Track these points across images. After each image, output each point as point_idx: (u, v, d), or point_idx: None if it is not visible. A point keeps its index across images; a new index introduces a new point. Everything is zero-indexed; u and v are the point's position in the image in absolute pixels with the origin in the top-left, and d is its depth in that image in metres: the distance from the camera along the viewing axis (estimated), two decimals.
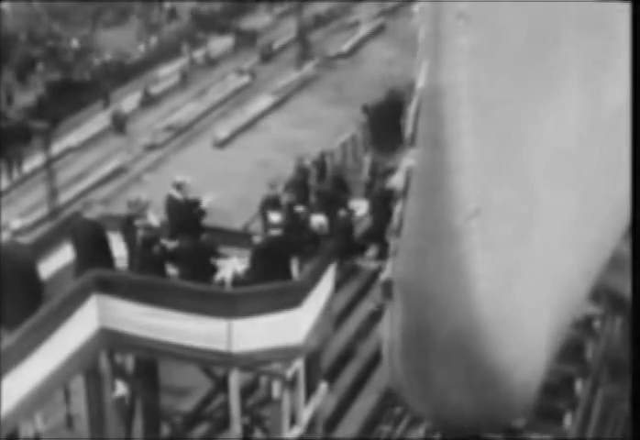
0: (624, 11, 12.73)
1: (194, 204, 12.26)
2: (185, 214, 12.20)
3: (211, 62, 33.07)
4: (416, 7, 12.08)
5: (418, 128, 10.72)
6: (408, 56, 30.56)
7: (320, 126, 27.74)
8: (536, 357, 12.72)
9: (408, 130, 12.06)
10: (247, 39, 34.83)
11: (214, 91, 30.95)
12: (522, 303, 11.84)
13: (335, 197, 19.27)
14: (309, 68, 32.37)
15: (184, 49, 33.60)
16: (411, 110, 11.57)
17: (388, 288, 12.03)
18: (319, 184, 20.29)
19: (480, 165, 10.66)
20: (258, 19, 37.05)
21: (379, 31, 35.35)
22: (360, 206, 19.65)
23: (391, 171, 20.89)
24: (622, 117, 12.76)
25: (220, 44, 34.45)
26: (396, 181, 20.07)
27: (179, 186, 12.54)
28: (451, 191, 10.62)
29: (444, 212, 10.73)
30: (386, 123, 25.21)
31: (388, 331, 12.45)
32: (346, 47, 33.83)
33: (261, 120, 29.20)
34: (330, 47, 33.96)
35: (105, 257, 11.42)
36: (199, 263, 11.43)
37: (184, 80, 31.45)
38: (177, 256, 11.57)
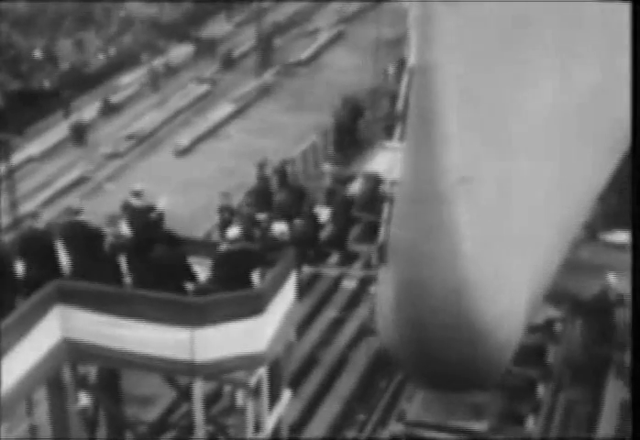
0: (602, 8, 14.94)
1: (150, 210, 12.29)
2: (144, 221, 12.21)
3: (171, 71, 33.02)
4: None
5: (409, 103, 11.80)
6: (367, 63, 30.55)
7: (281, 134, 27.85)
8: (517, 317, 13.47)
9: (399, 106, 14.79)
10: (207, 47, 34.83)
11: (174, 99, 30.94)
12: (503, 266, 12.69)
13: (295, 205, 19.41)
14: (269, 75, 32.47)
15: (144, 57, 33.53)
16: (402, 87, 13.85)
17: (382, 251, 13.17)
18: (279, 193, 20.39)
19: (466, 136, 11.67)
20: (218, 27, 37.04)
21: (338, 38, 35.48)
22: (322, 213, 19.77)
23: (351, 179, 21.09)
24: (594, 98, 14.67)
25: (180, 52, 34.42)
26: (356, 188, 20.41)
27: (137, 194, 12.59)
28: (439, 158, 11.62)
29: (432, 178, 11.71)
30: (345, 130, 25.36)
31: (382, 291, 13.38)
32: (305, 54, 33.95)
33: (222, 128, 29.26)
34: (290, 54, 34.08)
35: (55, 266, 11.38)
36: (170, 271, 11.43)
37: (155, 83, 31.45)
38: (150, 264, 11.56)
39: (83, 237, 11.58)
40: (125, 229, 11.81)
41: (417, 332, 12.83)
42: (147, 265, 11.50)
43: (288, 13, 38.29)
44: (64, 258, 11.51)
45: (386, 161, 20.70)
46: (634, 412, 10.38)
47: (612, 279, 16.21)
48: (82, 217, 11.67)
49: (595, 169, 16.21)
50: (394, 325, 13.13)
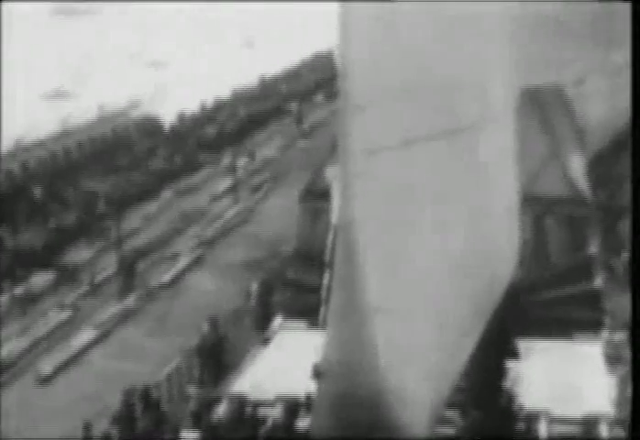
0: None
1: None
2: None
3: (32, 298, 33.13)
4: (328, 171, 21.37)
5: (334, 253, 16.52)
6: (227, 285, 31.78)
7: (144, 358, 28.03)
8: (423, 418, 17.50)
9: (326, 259, 20.88)
10: (68, 274, 35.20)
11: (36, 326, 30.91)
12: (409, 378, 16.73)
13: (159, 430, 19.62)
14: (131, 300, 32.89)
15: (5, 285, 33.60)
16: (328, 243, 20.01)
17: (317, 369, 17.10)
18: (143, 419, 20.57)
19: (377, 275, 15.93)
20: (79, 253, 37.59)
21: (198, 262, 36.44)
22: (188, 438, 19.91)
23: (217, 401, 21.40)
24: (464, 262, 19.03)
25: (41, 279, 34.66)
26: (222, 410, 20.81)
27: None
28: (358, 291, 15.74)
29: (354, 307, 15.68)
30: (209, 352, 25.85)
31: (319, 401, 17.21)
32: (166, 278, 34.65)
33: (85, 354, 29.23)
34: (151, 278, 34.70)
35: None
36: None
37: (22, 309, 31.32)
38: None
39: None
40: None
41: (348, 428, 16.59)
42: None
43: (149, 237, 39.24)
44: None
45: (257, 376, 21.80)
46: (633, 410, 12.11)
47: None
48: None
49: (468, 323, 20.23)
50: (328, 425, 16.99)
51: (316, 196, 26.20)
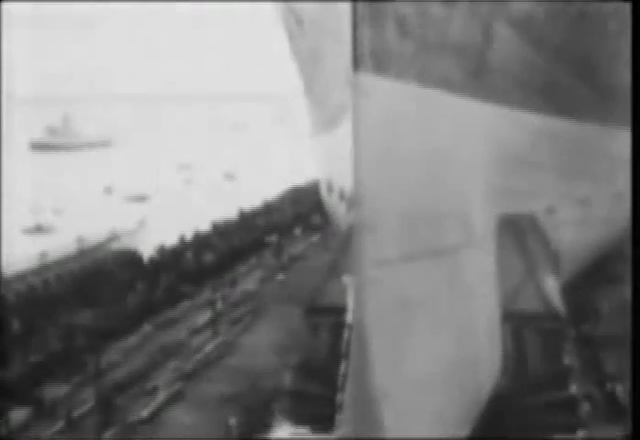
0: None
1: None
2: None
3: (9, 434, 32.64)
4: (344, 279, 24.46)
5: (350, 343, 20.75)
6: (207, 420, 31.62)
7: None
8: None
9: (343, 346, 23.29)
10: (45, 409, 34.84)
11: None
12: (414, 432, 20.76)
13: None
14: (109, 435, 32.47)
15: None
16: (345, 335, 23.13)
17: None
18: None
19: (385, 364, 19.67)
20: (56, 388, 37.23)
21: (177, 396, 36.12)
22: None
23: None
24: (454, 370, 22.70)
25: (19, 414, 34.24)
26: None
27: None
28: (369, 375, 19.48)
29: (366, 388, 19.55)
30: None
31: None
32: (145, 413, 34.26)
33: None
34: (130, 413, 34.32)
35: None
36: None
37: None
38: None
39: None
40: None
41: None
42: None
43: (128, 371, 38.96)
44: None
45: None
46: (634, 411, 12.56)
47: None
48: None
49: (459, 420, 23.21)
50: None
51: (317, 313, 28.64)
